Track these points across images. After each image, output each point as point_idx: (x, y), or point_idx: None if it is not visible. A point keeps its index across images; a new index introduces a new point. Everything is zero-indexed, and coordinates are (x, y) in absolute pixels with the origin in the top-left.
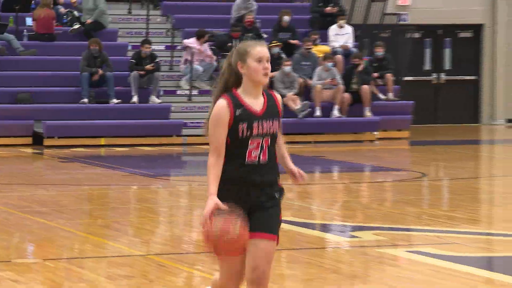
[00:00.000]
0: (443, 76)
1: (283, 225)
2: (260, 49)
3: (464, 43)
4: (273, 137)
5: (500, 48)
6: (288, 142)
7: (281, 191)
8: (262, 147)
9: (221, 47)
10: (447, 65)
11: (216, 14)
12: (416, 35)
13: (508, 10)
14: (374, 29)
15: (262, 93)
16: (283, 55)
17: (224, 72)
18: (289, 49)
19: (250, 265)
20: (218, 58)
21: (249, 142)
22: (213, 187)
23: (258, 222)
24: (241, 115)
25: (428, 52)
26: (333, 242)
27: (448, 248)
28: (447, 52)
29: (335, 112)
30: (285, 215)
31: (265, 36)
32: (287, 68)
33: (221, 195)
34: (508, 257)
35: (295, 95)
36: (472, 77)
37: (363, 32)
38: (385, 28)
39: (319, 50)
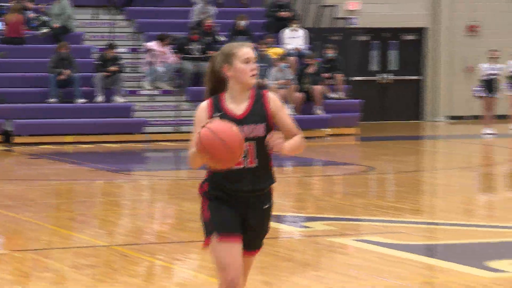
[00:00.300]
0: (389, 76)
1: None
2: (247, 50)
3: (409, 45)
4: (260, 141)
5: (442, 50)
6: None
7: (271, 198)
8: (246, 151)
9: (181, 50)
10: (393, 66)
11: (177, 18)
12: (364, 38)
13: (450, 14)
14: (325, 32)
15: (252, 95)
16: None
17: (207, 78)
18: None
19: None
20: (179, 60)
21: None
22: None
23: (245, 240)
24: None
25: (375, 54)
26: (286, 232)
27: (394, 237)
28: (393, 54)
29: (289, 110)
30: None
31: (222, 39)
32: None
33: (213, 199)
34: (449, 245)
35: None
36: (416, 77)
37: (315, 35)
38: (336, 31)
39: (273, 52)
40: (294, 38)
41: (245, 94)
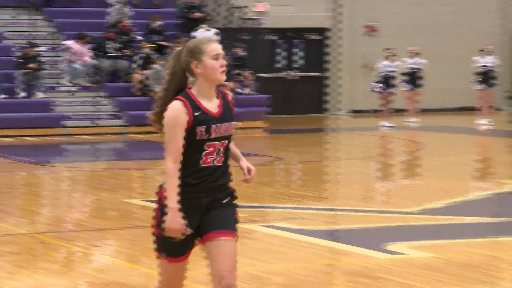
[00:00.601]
0: (294, 73)
1: (149, 205)
2: (215, 46)
3: (313, 44)
4: (229, 139)
5: (343, 48)
6: (148, 132)
7: (232, 194)
8: (218, 150)
9: (98, 48)
10: (298, 63)
11: (94, 18)
12: (271, 37)
13: (350, 15)
14: (235, 32)
15: (217, 92)
16: (155, 55)
17: (169, 76)
18: (160, 50)
19: (217, 273)
20: (96, 58)
21: (206, 146)
22: (174, 199)
23: (214, 220)
24: (200, 118)
25: (281, 52)
26: None
27: (299, 222)
28: (298, 52)
29: None
30: (150, 196)
31: (138, 38)
32: (159, 66)
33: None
34: (350, 229)
35: None
36: (319, 74)
37: (225, 35)
38: (245, 31)
39: None
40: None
41: (212, 91)
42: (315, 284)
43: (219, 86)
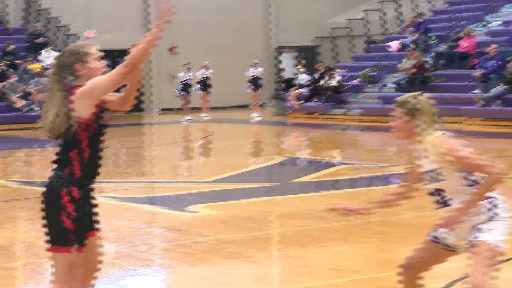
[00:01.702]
0: None
1: (9, 184)
2: (96, 50)
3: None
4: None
5: (153, 63)
6: (15, 129)
7: None
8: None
9: None
10: None
11: None
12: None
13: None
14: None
15: None
16: (10, 71)
17: (59, 74)
18: (14, 67)
19: (94, 266)
20: None
21: (102, 137)
22: None
23: (94, 219)
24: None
25: (107, 68)
26: None
27: (125, 192)
28: None
29: None
30: (15, 178)
31: None
32: (13, 79)
33: (76, 206)
34: (163, 196)
35: (20, 97)
36: None
37: None
38: None
39: (35, 67)
40: (49, 57)
41: None
42: (137, 237)
43: None
